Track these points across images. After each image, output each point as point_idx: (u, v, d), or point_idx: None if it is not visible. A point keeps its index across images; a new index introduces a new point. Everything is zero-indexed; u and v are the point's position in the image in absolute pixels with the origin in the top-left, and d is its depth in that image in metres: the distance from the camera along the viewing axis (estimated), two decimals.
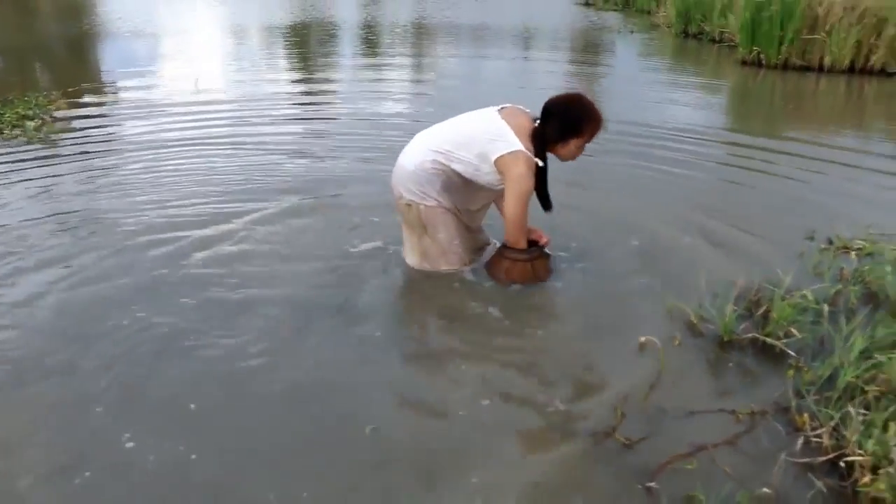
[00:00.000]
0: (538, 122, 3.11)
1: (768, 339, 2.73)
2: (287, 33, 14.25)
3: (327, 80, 9.25)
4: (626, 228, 3.95)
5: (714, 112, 7.77)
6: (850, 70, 9.62)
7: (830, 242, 3.77)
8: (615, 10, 20.03)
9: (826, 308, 2.89)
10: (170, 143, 5.61)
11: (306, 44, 13.08)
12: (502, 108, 3.17)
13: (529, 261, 3.27)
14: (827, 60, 9.68)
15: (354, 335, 2.84)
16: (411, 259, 3.41)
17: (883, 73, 9.42)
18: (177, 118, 6.52)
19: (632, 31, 14.73)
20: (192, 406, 2.38)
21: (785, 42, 9.80)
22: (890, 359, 2.49)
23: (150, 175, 4.82)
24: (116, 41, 12.65)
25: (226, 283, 3.24)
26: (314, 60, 11.10)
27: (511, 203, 3.13)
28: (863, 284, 3.24)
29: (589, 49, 13.17)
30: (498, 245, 3.39)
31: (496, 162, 3.07)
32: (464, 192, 3.27)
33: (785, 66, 9.92)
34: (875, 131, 6.74)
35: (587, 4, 21.56)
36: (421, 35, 14.60)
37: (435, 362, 2.69)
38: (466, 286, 3.27)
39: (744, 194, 4.66)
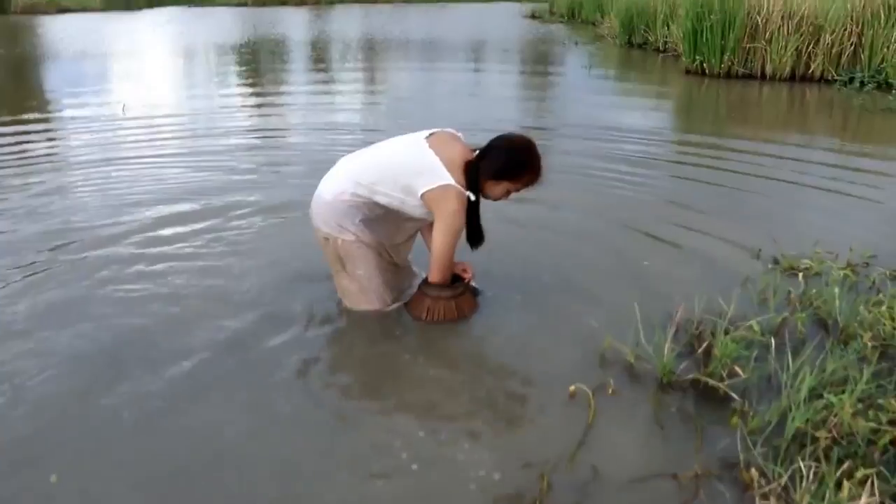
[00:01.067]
0: (476, 152, 2.85)
1: (710, 381, 2.49)
2: (236, 52, 13.89)
3: (277, 94, 9.01)
4: (562, 252, 3.72)
5: (657, 121, 7.61)
6: (792, 78, 9.61)
7: (776, 262, 3.58)
8: (561, 23, 20.08)
9: (773, 340, 2.66)
10: (106, 161, 5.50)
11: (255, 61, 12.75)
12: (431, 135, 2.89)
13: (453, 298, 2.99)
14: (769, 69, 9.67)
15: (254, 387, 2.53)
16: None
17: (823, 80, 9.41)
18: (116, 135, 6.46)
19: (576, 43, 14.68)
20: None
21: (727, 51, 9.76)
22: (841, 399, 2.27)
23: (89, 191, 4.79)
24: (60, 63, 12.24)
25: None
26: (262, 76, 10.85)
27: (440, 241, 2.85)
28: (811, 310, 3.03)
29: (537, 60, 13.08)
30: (423, 277, 3.10)
31: (423, 196, 2.79)
32: (388, 225, 2.99)
33: (728, 75, 9.88)
34: (817, 141, 6.63)
35: (533, 17, 21.61)
36: (374, 50, 14.38)
37: (337, 423, 2.38)
38: (383, 328, 2.98)
39: (687, 210, 4.45)
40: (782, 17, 9.40)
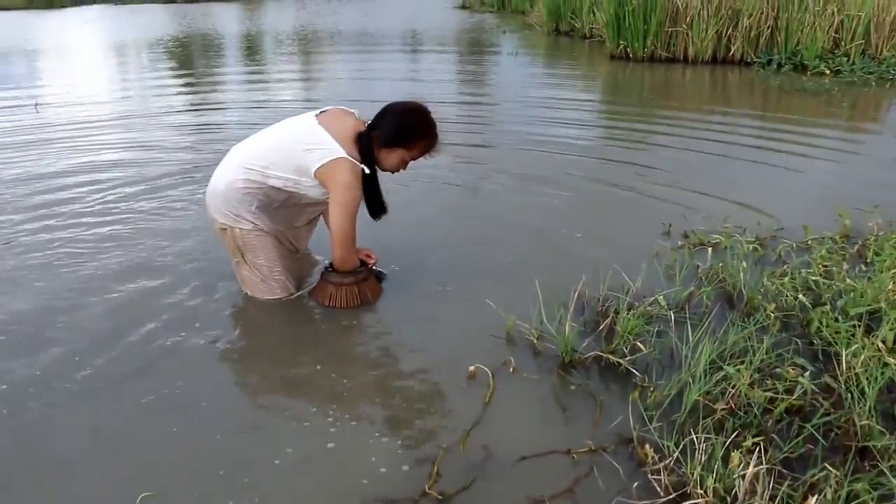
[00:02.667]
0: (368, 124, 2.77)
1: (611, 357, 2.44)
2: (164, 47, 13.45)
3: (211, 89, 8.72)
4: (474, 233, 3.66)
5: (580, 105, 7.61)
6: (714, 60, 9.76)
7: (686, 237, 3.57)
8: (491, 12, 20.08)
9: (673, 315, 2.64)
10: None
11: (186, 57, 12.36)
12: (322, 112, 2.80)
13: (355, 283, 2.89)
14: (691, 52, 9.79)
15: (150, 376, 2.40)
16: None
17: (743, 62, 9.59)
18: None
19: (504, 32, 14.69)
20: None
21: (649, 35, 9.85)
22: (738, 370, 2.25)
23: None
24: None
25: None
26: (194, 71, 10.51)
27: (336, 216, 2.75)
28: (717, 284, 3.02)
29: (467, 48, 12.99)
30: (326, 264, 2.99)
31: (317, 174, 2.70)
32: (285, 210, 2.88)
33: (651, 59, 9.98)
34: (737, 119, 6.72)
35: (463, 7, 21.54)
36: (306, 42, 14.11)
37: (232, 417, 2.26)
38: (286, 316, 2.87)
39: (604, 186, 4.44)
40: (702, 1, 9.51)
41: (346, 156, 2.67)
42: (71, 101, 7.81)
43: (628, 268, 3.05)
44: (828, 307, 2.71)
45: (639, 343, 2.50)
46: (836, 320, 2.63)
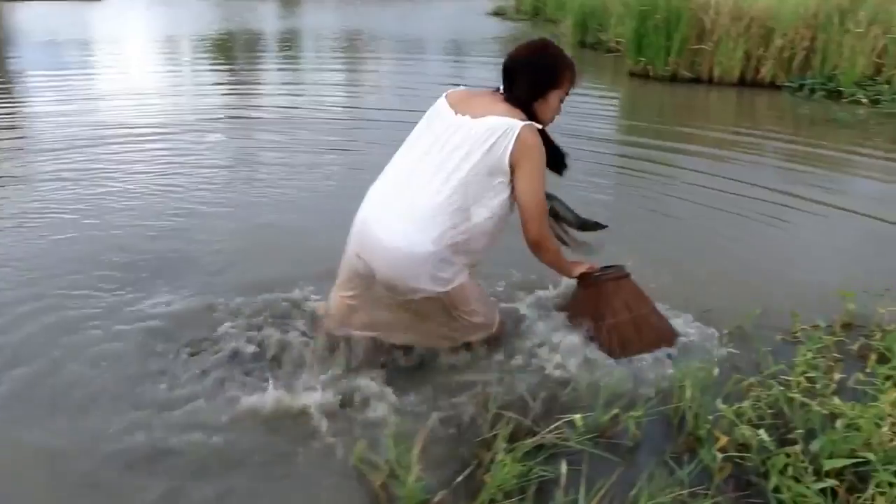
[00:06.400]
0: (500, 89, 2.38)
1: None
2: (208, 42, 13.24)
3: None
4: None
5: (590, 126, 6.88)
6: (741, 83, 8.93)
7: None
8: (524, 20, 19.44)
9: (586, 450, 1.93)
10: None
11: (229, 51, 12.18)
12: (450, 107, 2.33)
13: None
14: (716, 72, 8.98)
15: None
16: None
17: (773, 86, 8.74)
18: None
19: None
20: None
21: (672, 53, 9.07)
22: None
23: None
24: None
25: None
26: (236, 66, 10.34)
27: (529, 187, 2.27)
28: (656, 401, 2.31)
29: (478, 57, 12.37)
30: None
31: (511, 161, 2.23)
32: (488, 237, 2.34)
33: (673, 79, 9.18)
34: (736, 156, 5.93)
35: (496, 14, 20.92)
36: (354, 45, 13.80)
37: None
38: None
39: None
40: (731, 19, 8.71)
41: (520, 121, 2.24)
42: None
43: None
44: (799, 448, 1.99)
45: None
46: (805, 474, 1.90)
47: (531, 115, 2.31)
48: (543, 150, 2.29)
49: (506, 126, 2.22)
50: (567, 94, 2.42)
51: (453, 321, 2.38)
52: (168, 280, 3.12)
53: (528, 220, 2.31)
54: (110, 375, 2.41)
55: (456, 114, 2.30)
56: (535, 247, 2.38)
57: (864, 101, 7.73)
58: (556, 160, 2.40)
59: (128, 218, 3.94)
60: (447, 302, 2.30)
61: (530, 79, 2.33)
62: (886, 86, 7.93)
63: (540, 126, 2.31)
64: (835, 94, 8.08)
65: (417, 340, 2.46)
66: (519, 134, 2.22)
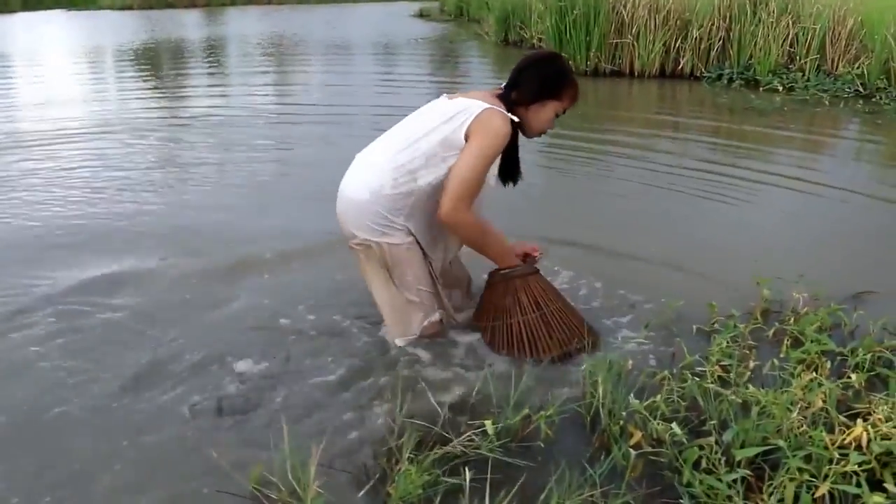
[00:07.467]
0: (503, 87, 2.44)
1: None
2: (126, 54, 12.62)
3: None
4: None
5: None
6: (662, 74, 9.06)
7: None
8: (448, 21, 19.44)
9: (490, 457, 1.84)
10: None
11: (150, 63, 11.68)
12: (451, 97, 2.44)
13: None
14: (637, 65, 9.08)
15: None
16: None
17: (693, 76, 8.88)
18: None
19: (451, 42, 13.96)
20: None
21: (592, 47, 9.13)
22: None
23: None
24: None
25: None
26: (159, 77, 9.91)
27: (464, 162, 2.28)
28: (571, 400, 2.24)
29: (402, 57, 12.27)
30: None
31: (467, 135, 2.28)
32: (430, 208, 2.37)
33: (595, 73, 9.24)
34: (650, 143, 5.98)
35: (421, 16, 20.87)
36: (278, 49, 13.47)
37: None
38: None
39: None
40: (649, 11, 8.81)
41: (494, 107, 2.31)
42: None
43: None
44: (713, 440, 1.94)
45: None
46: (719, 465, 1.85)
47: (520, 119, 2.39)
48: (504, 139, 2.31)
49: (472, 105, 2.30)
50: (564, 111, 2.47)
51: (392, 287, 2.43)
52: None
53: (446, 191, 2.28)
54: None
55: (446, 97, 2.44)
56: (447, 226, 2.36)
57: (780, 88, 7.91)
58: (510, 167, 2.46)
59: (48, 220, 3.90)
60: (387, 259, 2.37)
61: (535, 82, 2.40)
62: (800, 74, 8.15)
63: (515, 119, 2.36)
64: (752, 83, 8.26)
65: (380, 304, 2.52)
66: (480, 113, 2.28)
